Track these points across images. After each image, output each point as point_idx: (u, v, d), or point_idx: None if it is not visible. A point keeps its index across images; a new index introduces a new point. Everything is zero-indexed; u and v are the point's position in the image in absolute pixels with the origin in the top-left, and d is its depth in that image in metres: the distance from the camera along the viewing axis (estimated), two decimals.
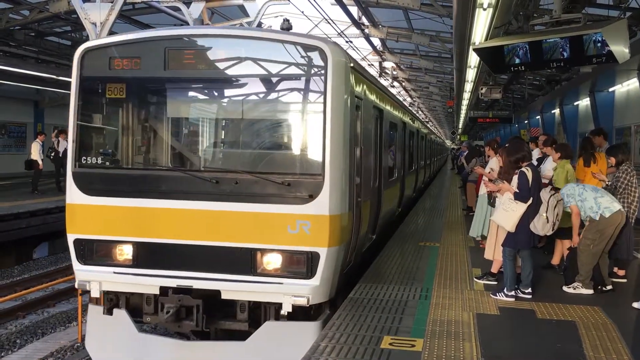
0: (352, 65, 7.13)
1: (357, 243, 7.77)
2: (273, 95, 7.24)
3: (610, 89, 19.90)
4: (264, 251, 6.60)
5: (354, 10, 19.14)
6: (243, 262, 6.60)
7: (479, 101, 25.90)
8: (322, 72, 6.57)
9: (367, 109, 8.35)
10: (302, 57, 6.75)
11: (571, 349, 5.71)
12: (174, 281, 6.70)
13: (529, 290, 7.32)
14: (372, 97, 8.97)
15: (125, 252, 6.93)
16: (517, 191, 7.16)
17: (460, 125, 44.74)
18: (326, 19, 17.58)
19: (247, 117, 7.44)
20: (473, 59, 14.21)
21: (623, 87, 18.96)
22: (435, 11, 16.41)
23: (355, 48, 22.64)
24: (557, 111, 27.67)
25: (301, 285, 6.52)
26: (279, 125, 7.49)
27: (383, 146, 10.20)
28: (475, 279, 8.19)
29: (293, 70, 6.84)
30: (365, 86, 8.21)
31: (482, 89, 20.05)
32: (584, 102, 23.37)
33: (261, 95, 7.31)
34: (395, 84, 32.89)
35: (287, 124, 7.43)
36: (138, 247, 6.87)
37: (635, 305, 7.01)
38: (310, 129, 6.88)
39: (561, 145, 9.36)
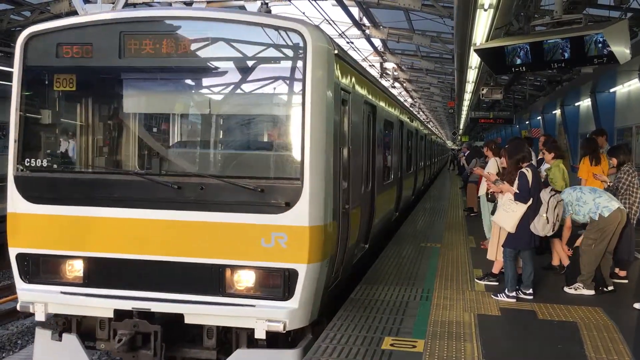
0: (336, 52, 6.27)
1: (345, 256, 7.02)
2: (244, 87, 6.34)
3: (612, 90, 19.89)
4: (234, 268, 5.80)
5: (354, 11, 19.15)
6: (210, 280, 5.82)
7: (480, 102, 25.86)
8: (300, 58, 5.74)
9: (356, 104, 7.56)
10: (277, 41, 5.89)
11: (572, 349, 5.71)
12: (130, 303, 5.87)
13: (530, 291, 7.31)
14: (363, 92, 8.18)
15: (74, 269, 6.11)
16: (517, 192, 7.16)
17: (462, 126, 44.72)
18: (327, 20, 17.59)
19: (215, 113, 6.59)
20: (474, 59, 14.21)
21: (624, 88, 18.95)
22: (436, 12, 16.41)
23: (356, 49, 22.65)
24: (558, 112, 27.65)
25: (277, 308, 5.70)
26: (251, 121, 6.68)
27: (377, 146, 9.42)
28: (476, 280, 8.19)
29: (267, 57, 5.99)
30: (354, 78, 7.40)
31: (483, 89, 20.03)
32: (585, 103, 23.36)
33: (231, 88, 6.42)
34: (397, 84, 32.89)
35: (260, 120, 6.63)
36: (89, 263, 6.04)
37: (637, 305, 7.00)
38: (287, 126, 6.13)
39: (554, 145, 9.39)
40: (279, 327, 5.66)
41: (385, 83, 25.67)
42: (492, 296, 7.38)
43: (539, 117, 31.62)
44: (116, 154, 6.80)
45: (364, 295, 7.41)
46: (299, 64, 5.77)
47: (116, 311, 5.96)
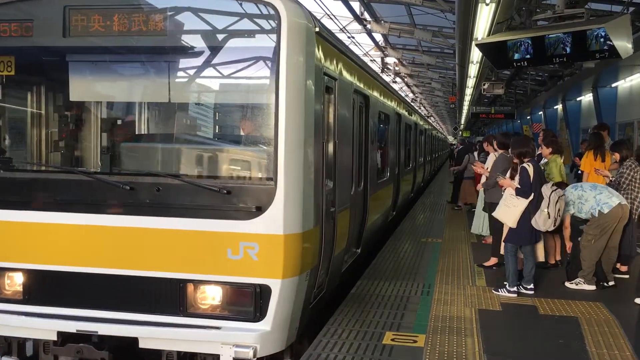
0: (317, 29, 5.38)
1: (332, 265, 6.30)
2: (209, 72, 5.55)
3: (613, 85, 19.86)
4: (196, 284, 5.03)
5: (356, 5, 19.13)
6: (168, 298, 5.04)
7: (481, 97, 25.85)
8: (273, 37, 4.93)
9: (344, 92, 6.71)
10: (247, 17, 5.14)
11: (573, 344, 5.72)
12: (74, 324, 5.05)
13: (531, 286, 7.31)
14: (353, 79, 7.34)
15: (12, 284, 5.33)
16: (518, 187, 7.15)
17: (463, 121, 44.68)
18: (328, 15, 17.54)
19: (175, 101, 5.74)
20: (475, 54, 14.18)
21: (626, 83, 18.92)
22: (437, 6, 16.37)
23: (357, 43, 22.62)
24: (559, 107, 27.62)
25: (246, 330, 4.93)
26: (216, 111, 5.94)
27: (370, 141, 8.63)
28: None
29: (235, 36, 5.25)
30: (341, 63, 6.53)
31: (484, 84, 20.01)
32: (587, 98, 23.33)
33: (193, 72, 5.62)
34: (398, 79, 32.85)
35: (227, 109, 5.92)
36: (29, 276, 5.24)
37: (638, 301, 6.99)
38: (258, 117, 5.40)
39: (552, 140, 9.32)
40: (247, 354, 4.85)
41: (387, 78, 25.63)
42: (493, 291, 7.38)
43: (541, 112, 31.59)
44: (59, 150, 5.88)
45: (364, 290, 7.41)
46: (272, 42, 4.94)
47: (60, 333, 5.13)
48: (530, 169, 7.17)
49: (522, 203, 7.15)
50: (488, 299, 7.18)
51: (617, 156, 8.52)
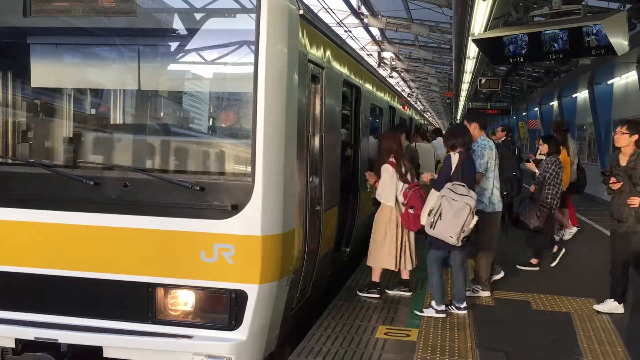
0: (301, 12, 4.98)
1: (317, 268, 5.99)
2: (181, 57, 5.17)
3: (609, 82, 19.88)
4: (166, 288, 4.67)
5: None
6: (136, 303, 4.67)
7: (477, 92, 25.88)
8: (252, 19, 4.51)
9: (332, 82, 6.38)
10: None
11: (565, 339, 5.76)
12: (32, 331, 4.66)
13: (465, 305, 6.39)
14: (342, 69, 6.96)
15: None
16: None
17: (459, 117, 44.74)
18: (325, 8, 17.50)
19: (145, 88, 5.25)
20: (472, 49, 14.18)
21: (622, 80, 18.93)
22: (434, 1, 16.36)
23: (354, 38, 22.58)
24: (555, 103, 27.66)
25: (220, 340, 4.57)
26: (189, 100, 5.53)
27: (362, 135, 8.28)
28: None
29: (210, 18, 4.88)
30: (329, 51, 6.18)
31: (480, 80, 20.03)
32: (583, 95, 23.36)
33: (164, 57, 5.24)
34: (394, 74, 32.85)
35: (201, 98, 5.53)
36: None
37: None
38: (235, 107, 5.11)
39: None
40: None
41: (383, 72, 25.61)
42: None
43: (536, 109, 31.64)
44: (15, 140, 5.38)
45: (359, 284, 7.43)
46: (250, 25, 4.50)
47: (19, 341, 4.75)
48: (454, 157, 6.31)
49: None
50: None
51: (544, 148, 8.61)
